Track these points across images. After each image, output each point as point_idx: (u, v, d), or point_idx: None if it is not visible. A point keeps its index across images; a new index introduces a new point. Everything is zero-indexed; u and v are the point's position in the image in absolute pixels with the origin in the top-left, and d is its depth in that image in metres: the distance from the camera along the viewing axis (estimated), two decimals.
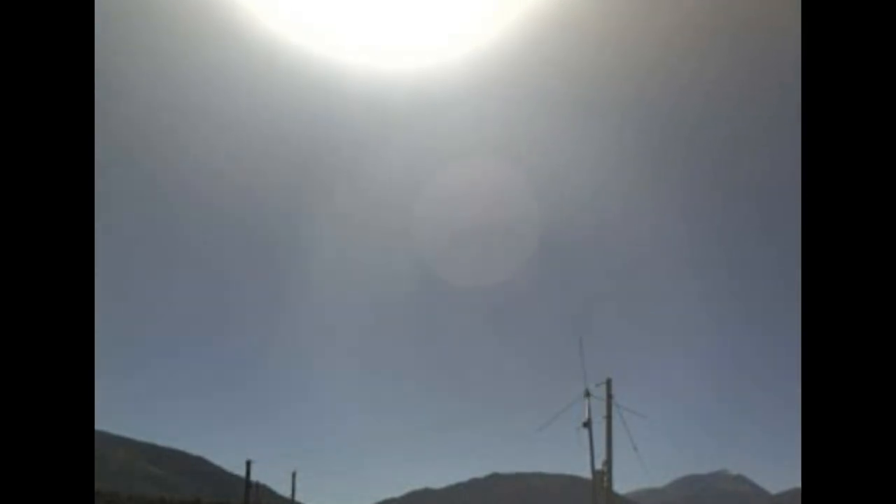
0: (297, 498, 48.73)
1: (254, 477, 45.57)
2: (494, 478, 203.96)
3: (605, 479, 26.49)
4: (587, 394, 27.67)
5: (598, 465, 26.98)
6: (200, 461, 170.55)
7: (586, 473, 28.08)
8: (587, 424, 27.44)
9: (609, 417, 26.79)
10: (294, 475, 47.08)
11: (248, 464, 45.28)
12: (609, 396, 27.02)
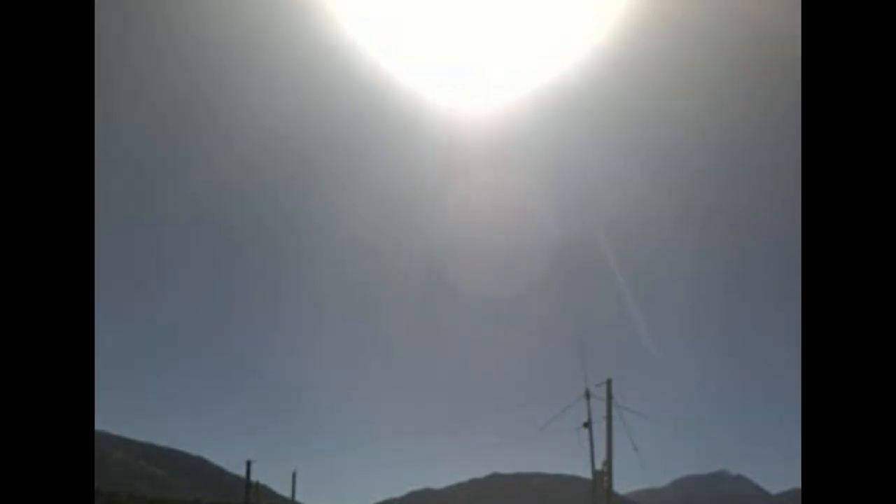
0: (297, 498, 48.76)
1: (254, 477, 45.57)
2: (494, 478, 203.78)
3: (606, 479, 26.50)
4: (587, 394, 27.69)
5: (599, 466, 27.00)
6: (200, 461, 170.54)
7: (586, 474, 28.09)
8: (587, 425, 27.46)
9: (609, 418, 26.80)
10: (294, 475, 47.13)
11: (248, 464, 45.29)
12: (609, 397, 27.03)
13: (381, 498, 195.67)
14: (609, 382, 27.28)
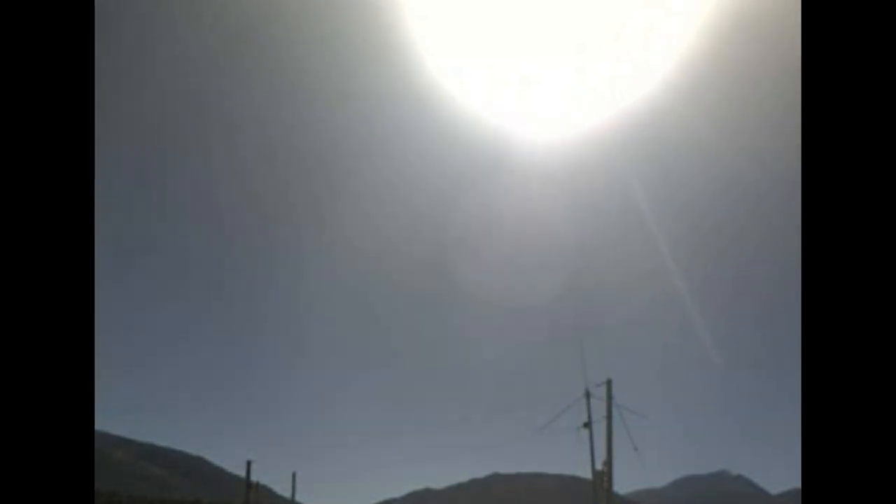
0: (297, 498, 48.74)
1: (254, 477, 45.57)
2: (494, 478, 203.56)
3: (606, 479, 26.51)
4: (587, 394, 27.69)
5: (599, 466, 27.01)
6: (200, 461, 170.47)
7: (586, 474, 28.09)
8: (587, 425, 27.47)
9: (609, 418, 26.81)
10: (294, 475, 47.11)
11: (249, 464, 45.29)
12: (609, 397, 27.04)
13: (381, 498, 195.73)
14: (609, 382, 27.28)
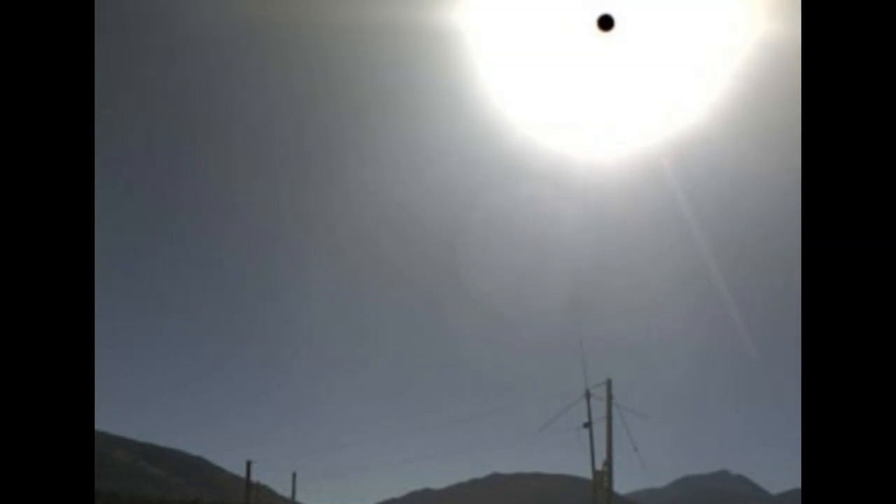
0: (298, 498, 48.80)
1: (254, 477, 45.64)
2: (494, 478, 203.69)
3: (606, 479, 26.54)
4: (587, 394, 27.72)
5: (599, 466, 27.05)
6: (200, 461, 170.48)
7: (587, 474, 28.15)
8: (587, 425, 27.50)
9: (609, 418, 26.86)
10: (294, 475, 47.15)
11: (249, 464, 45.38)
12: (609, 397, 27.08)
13: (381, 498, 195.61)
14: (609, 383, 27.31)
